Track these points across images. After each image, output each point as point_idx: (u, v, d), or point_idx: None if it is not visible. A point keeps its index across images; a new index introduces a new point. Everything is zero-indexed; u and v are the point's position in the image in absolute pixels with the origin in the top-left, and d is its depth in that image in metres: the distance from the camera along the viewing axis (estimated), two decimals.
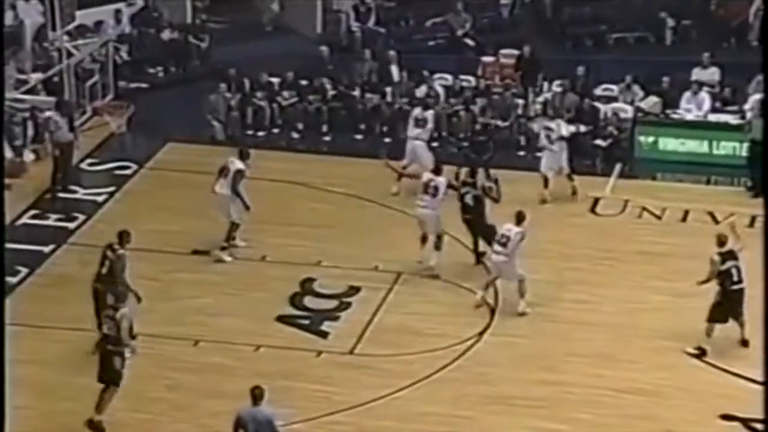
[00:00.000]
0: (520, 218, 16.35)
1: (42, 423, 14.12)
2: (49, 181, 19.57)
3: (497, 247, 16.30)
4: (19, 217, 18.91)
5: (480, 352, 15.73)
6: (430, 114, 19.97)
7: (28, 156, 20.55)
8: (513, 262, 16.20)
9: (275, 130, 22.20)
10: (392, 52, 22.88)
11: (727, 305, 15.31)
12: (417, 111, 20.08)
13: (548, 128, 19.53)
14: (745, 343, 15.45)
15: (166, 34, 24.56)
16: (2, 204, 15.42)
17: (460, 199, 17.47)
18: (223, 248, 17.45)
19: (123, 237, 15.52)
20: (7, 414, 8.53)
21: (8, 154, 20.50)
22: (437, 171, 17.59)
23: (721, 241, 15.47)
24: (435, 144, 21.40)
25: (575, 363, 15.36)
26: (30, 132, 20.95)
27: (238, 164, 17.54)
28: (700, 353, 15.47)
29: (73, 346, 15.47)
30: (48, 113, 20.05)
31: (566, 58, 22.86)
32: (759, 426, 14.13)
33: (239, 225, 17.53)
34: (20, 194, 19.41)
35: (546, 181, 19.25)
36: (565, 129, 19.53)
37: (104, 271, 15.41)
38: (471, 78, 22.67)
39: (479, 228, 17.43)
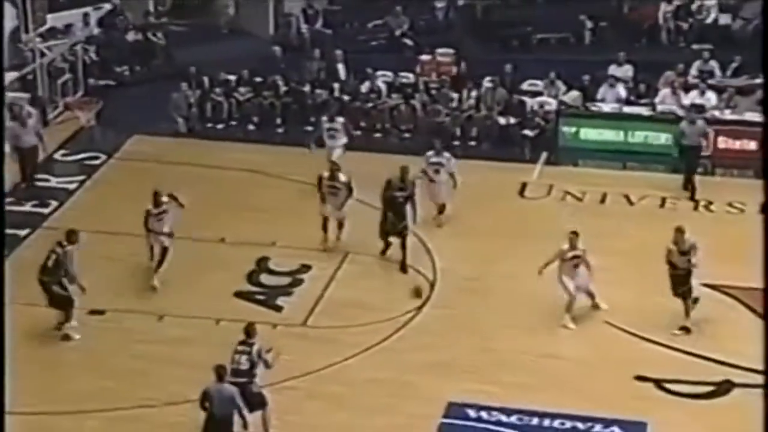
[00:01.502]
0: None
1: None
2: (19, 176, 19.13)
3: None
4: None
5: (420, 323, 15.79)
6: (339, 123, 19.33)
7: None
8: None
9: (233, 123, 22.08)
10: (338, 52, 22.82)
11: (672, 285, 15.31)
12: (327, 122, 19.29)
13: (437, 163, 18.00)
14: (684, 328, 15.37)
15: (131, 36, 24.33)
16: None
17: (391, 201, 16.74)
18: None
19: (70, 235, 15.32)
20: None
21: None
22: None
23: (682, 231, 15.26)
24: (378, 135, 21.49)
25: (504, 331, 15.46)
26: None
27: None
28: (686, 331, 15.34)
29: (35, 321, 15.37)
30: (8, 122, 19.69)
31: (495, 57, 22.92)
32: (669, 386, 14.38)
33: None
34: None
35: (440, 209, 18.01)
36: (454, 165, 18.04)
37: (50, 264, 15.19)
38: (410, 75, 22.69)
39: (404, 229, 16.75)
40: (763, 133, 19.00)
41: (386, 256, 17.04)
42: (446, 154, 18.09)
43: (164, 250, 16.34)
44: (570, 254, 15.46)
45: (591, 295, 15.78)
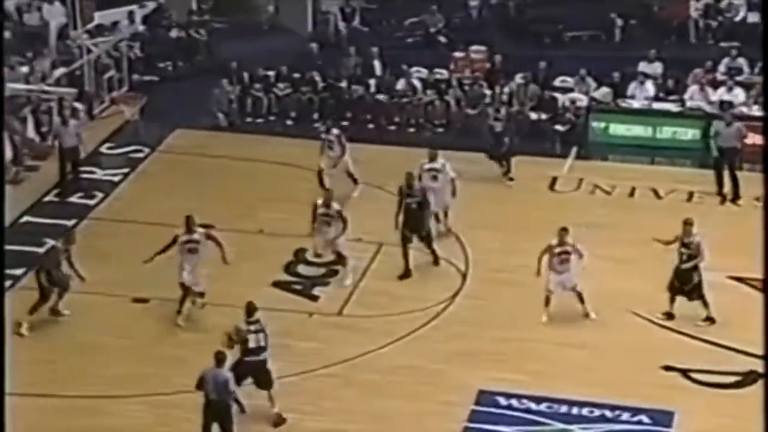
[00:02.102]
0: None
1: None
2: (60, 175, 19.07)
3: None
4: (44, 195, 18.86)
5: (452, 313, 15.80)
6: (334, 135, 18.52)
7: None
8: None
9: (271, 118, 22.14)
10: (375, 49, 22.82)
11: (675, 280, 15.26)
12: (323, 133, 18.61)
13: (433, 169, 17.33)
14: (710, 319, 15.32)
15: (174, 33, 24.47)
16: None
17: (405, 209, 16.33)
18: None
19: (69, 238, 15.51)
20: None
21: (36, 138, 20.46)
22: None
23: (690, 224, 15.25)
24: (412, 130, 21.48)
25: (532, 322, 15.43)
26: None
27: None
28: (668, 317, 15.35)
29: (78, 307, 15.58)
30: (55, 124, 19.73)
31: (527, 54, 22.84)
32: (696, 376, 14.30)
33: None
34: (47, 174, 19.37)
35: (437, 217, 17.35)
36: (451, 170, 17.34)
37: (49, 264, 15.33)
38: (444, 71, 22.67)
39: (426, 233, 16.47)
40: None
41: (414, 247, 16.84)
42: (441, 161, 17.24)
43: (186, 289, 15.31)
44: (558, 249, 15.31)
45: (580, 299, 15.48)
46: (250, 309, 13.48)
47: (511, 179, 19.36)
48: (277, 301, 15.83)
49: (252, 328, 13.36)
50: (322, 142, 18.66)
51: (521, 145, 20.82)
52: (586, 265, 15.47)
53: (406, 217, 16.46)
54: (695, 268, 15.16)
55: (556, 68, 22.15)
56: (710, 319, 15.28)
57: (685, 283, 15.20)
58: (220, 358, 12.70)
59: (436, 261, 16.74)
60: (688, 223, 15.27)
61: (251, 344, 13.26)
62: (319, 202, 16.37)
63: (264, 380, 13.42)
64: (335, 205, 16.33)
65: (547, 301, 15.47)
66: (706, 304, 15.26)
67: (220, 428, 12.68)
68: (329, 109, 22.08)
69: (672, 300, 15.38)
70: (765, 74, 19.78)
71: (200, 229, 15.50)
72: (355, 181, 18.61)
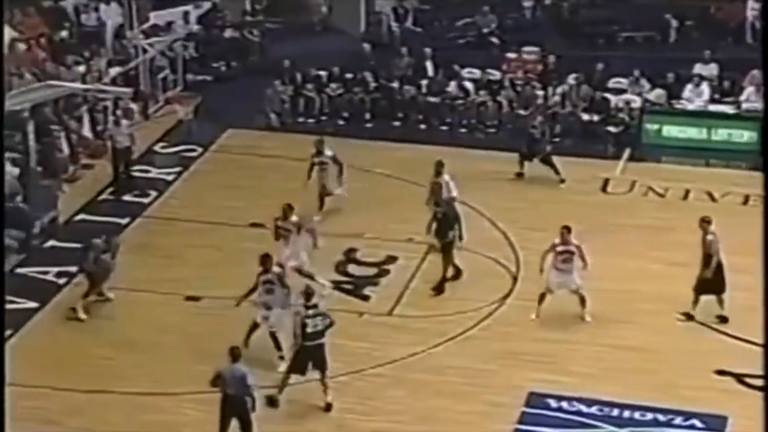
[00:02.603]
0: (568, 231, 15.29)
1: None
2: (114, 175, 19.22)
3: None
4: (99, 194, 19.10)
5: (502, 314, 15.79)
6: (328, 156, 17.86)
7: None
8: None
9: (323, 118, 22.24)
10: (427, 49, 22.84)
11: (715, 279, 15.20)
12: (315, 156, 17.73)
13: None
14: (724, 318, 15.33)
15: (228, 33, 24.67)
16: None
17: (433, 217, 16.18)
18: None
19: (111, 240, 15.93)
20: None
21: (91, 136, 20.72)
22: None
23: (708, 221, 15.28)
24: (464, 131, 21.48)
25: (581, 324, 15.38)
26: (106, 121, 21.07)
27: None
28: (688, 318, 15.38)
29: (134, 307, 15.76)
30: (109, 124, 19.92)
31: (581, 54, 22.74)
32: (751, 381, 14.15)
33: None
34: (102, 173, 19.62)
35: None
36: (455, 190, 16.92)
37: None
38: (496, 72, 22.63)
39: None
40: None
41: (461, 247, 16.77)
42: (445, 177, 16.91)
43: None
44: (560, 248, 15.25)
45: (582, 301, 15.40)
46: (309, 294, 13.57)
47: (563, 180, 19.29)
48: (328, 300, 15.79)
49: (310, 312, 13.48)
50: (312, 165, 17.81)
51: (574, 147, 20.79)
52: (585, 273, 15.31)
53: (431, 225, 16.35)
54: (716, 266, 15.05)
55: (610, 69, 22.03)
56: (723, 318, 15.21)
57: (707, 282, 15.12)
58: (235, 354, 12.78)
59: (456, 274, 16.25)
60: (705, 221, 15.23)
61: (308, 329, 13.41)
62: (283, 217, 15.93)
63: (320, 363, 13.50)
64: (293, 218, 15.92)
65: (541, 299, 15.40)
66: (720, 302, 15.18)
67: (240, 422, 12.76)
68: (381, 110, 22.15)
69: (695, 301, 15.32)
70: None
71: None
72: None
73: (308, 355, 13.50)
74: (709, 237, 15.19)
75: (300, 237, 15.97)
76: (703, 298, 15.38)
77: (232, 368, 12.74)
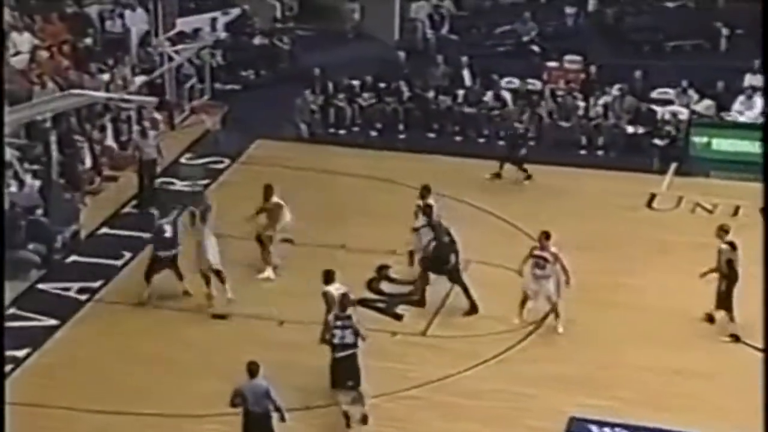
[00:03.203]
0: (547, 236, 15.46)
1: None
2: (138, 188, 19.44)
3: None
4: (123, 206, 19.22)
5: (542, 335, 15.72)
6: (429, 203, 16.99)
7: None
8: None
9: (355, 129, 22.33)
10: (464, 58, 22.88)
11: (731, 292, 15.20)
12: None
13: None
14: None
15: (257, 40, 24.81)
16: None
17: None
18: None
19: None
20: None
21: (115, 147, 20.88)
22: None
23: (725, 230, 15.31)
24: (502, 143, 21.46)
25: (627, 346, 15.29)
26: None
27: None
28: (735, 339, 15.31)
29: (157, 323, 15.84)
30: (134, 136, 20.12)
31: (626, 64, 22.68)
32: None
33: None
34: (126, 185, 19.75)
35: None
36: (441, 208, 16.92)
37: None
38: (536, 82, 22.62)
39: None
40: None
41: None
42: (430, 200, 16.69)
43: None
44: (536, 252, 15.37)
45: (554, 310, 15.50)
46: (344, 303, 13.62)
47: (529, 177, 19.33)
48: (359, 319, 15.91)
49: (339, 323, 13.56)
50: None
51: (617, 160, 20.71)
52: (566, 283, 15.40)
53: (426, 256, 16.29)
54: (722, 277, 15.12)
55: (656, 79, 21.96)
56: (735, 337, 15.21)
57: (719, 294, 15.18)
58: (253, 369, 12.79)
59: (472, 307, 16.14)
60: (723, 230, 15.35)
61: (335, 340, 13.52)
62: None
63: (352, 374, 13.59)
64: (274, 199, 16.57)
65: (523, 303, 15.56)
66: (731, 319, 15.11)
67: None
68: (415, 121, 22.18)
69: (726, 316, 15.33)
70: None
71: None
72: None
73: (340, 367, 13.59)
74: (723, 247, 15.18)
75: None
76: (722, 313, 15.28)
77: (252, 385, 12.77)
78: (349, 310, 13.75)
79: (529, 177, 19.80)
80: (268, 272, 16.85)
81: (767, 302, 12.78)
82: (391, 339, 15.61)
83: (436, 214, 16.61)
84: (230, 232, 17.51)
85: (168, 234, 16.15)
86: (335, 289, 14.28)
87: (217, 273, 16.11)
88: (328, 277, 14.46)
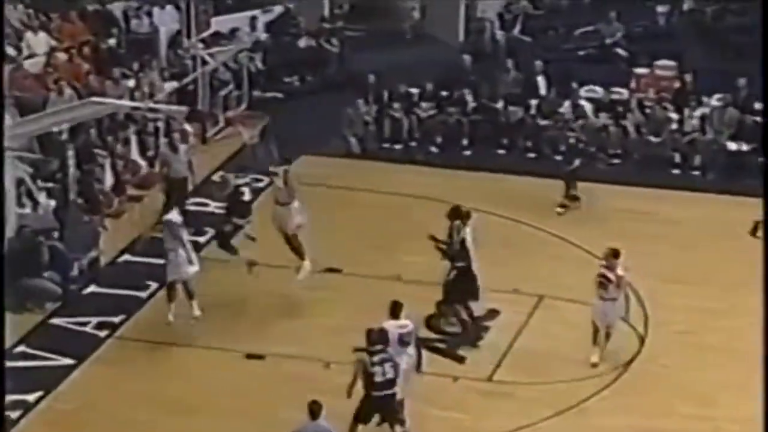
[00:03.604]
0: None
1: None
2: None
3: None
4: (149, 230, 19.34)
5: (626, 381, 15.64)
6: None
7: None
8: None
9: (413, 144, 22.43)
10: (538, 62, 22.93)
11: None
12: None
13: None
14: None
15: (302, 42, 24.99)
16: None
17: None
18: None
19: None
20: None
21: (141, 163, 21.12)
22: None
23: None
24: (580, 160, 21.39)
25: (723, 395, 15.20)
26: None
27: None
28: None
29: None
30: (162, 149, 20.33)
31: (726, 69, 22.56)
32: None
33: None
34: (152, 206, 19.94)
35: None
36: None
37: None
38: (622, 90, 22.59)
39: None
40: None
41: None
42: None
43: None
44: (601, 270, 15.52)
45: (606, 338, 15.69)
46: (373, 338, 13.63)
47: (577, 197, 19.15)
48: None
49: (376, 359, 13.57)
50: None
51: (717, 182, 20.58)
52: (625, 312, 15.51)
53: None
54: None
55: (761, 88, 21.79)
56: None
57: None
58: (314, 409, 12.89)
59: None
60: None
61: (377, 378, 13.52)
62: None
63: (392, 416, 13.67)
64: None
65: (595, 336, 15.69)
66: None
67: None
68: (482, 135, 22.21)
69: None
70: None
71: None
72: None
73: (376, 406, 13.66)
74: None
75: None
76: None
77: (314, 426, 12.86)
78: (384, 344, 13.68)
79: (575, 199, 19.55)
80: (305, 266, 16.94)
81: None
82: (452, 384, 15.59)
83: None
84: (268, 260, 17.61)
85: (246, 198, 16.28)
86: (397, 326, 14.20)
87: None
88: (395, 310, 14.38)
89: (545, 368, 15.83)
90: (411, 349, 14.18)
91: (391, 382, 13.61)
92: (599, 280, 15.58)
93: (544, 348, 16.26)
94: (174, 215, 16.46)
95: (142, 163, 21.17)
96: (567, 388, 15.41)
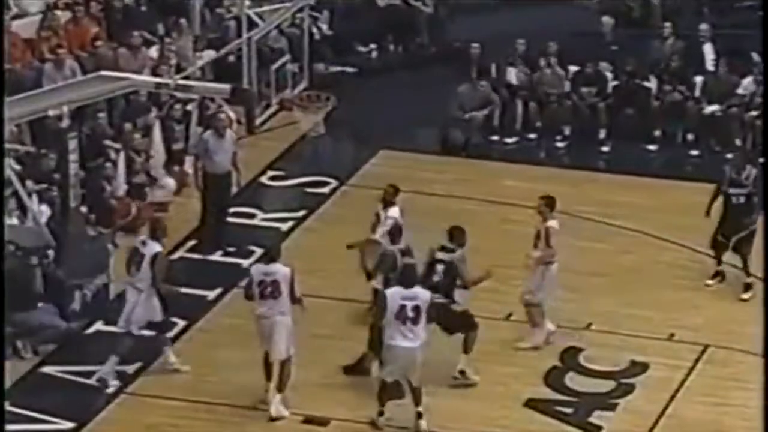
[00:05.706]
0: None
1: None
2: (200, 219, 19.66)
3: None
4: (176, 249, 19.40)
5: None
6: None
7: (167, 182, 20.82)
8: None
9: (531, 136, 22.40)
10: (704, 26, 22.87)
11: None
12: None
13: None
14: None
15: (382, 0, 24.97)
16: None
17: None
18: None
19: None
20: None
21: (165, 158, 21.13)
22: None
23: None
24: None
25: None
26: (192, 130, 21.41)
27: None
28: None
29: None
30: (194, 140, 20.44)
31: None
32: None
33: None
34: (181, 216, 19.96)
35: None
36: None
37: None
38: None
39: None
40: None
41: None
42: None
43: None
44: None
45: None
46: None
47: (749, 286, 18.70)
48: (533, 430, 15.90)
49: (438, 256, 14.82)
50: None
51: None
52: None
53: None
54: None
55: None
56: None
57: None
58: None
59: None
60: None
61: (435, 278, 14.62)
62: None
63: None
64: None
65: None
66: None
67: None
68: (625, 124, 22.02)
69: None
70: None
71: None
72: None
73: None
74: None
75: None
76: None
77: None
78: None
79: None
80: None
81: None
82: None
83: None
84: (334, 291, 17.57)
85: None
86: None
87: None
88: None
89: None
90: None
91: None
92: None
93: (708, 416, 16.24)
94: None
95: (164, 157, 21.03)
96: None
